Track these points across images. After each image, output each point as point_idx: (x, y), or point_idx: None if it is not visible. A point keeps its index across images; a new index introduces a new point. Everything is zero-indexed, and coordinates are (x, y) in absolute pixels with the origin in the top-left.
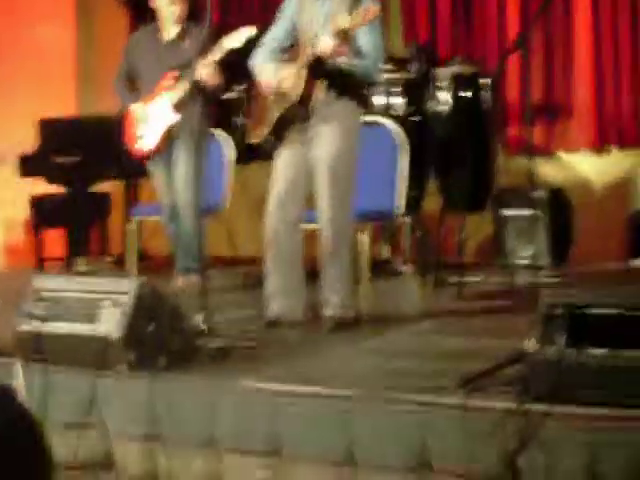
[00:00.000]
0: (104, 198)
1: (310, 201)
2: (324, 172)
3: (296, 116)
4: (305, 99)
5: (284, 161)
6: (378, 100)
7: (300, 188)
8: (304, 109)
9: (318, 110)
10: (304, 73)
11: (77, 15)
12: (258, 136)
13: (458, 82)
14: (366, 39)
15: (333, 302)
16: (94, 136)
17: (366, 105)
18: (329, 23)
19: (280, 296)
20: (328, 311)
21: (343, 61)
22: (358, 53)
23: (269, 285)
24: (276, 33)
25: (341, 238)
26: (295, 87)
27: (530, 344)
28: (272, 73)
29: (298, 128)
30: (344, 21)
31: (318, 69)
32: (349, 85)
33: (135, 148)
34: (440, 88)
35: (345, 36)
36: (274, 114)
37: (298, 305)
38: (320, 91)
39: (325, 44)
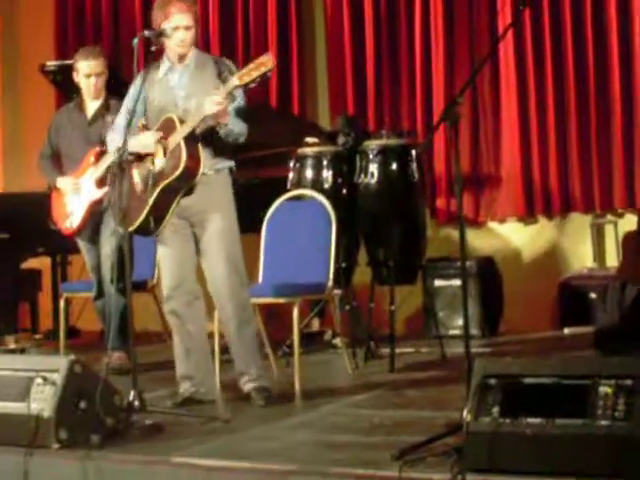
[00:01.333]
0: (34, 275)
1: None
2: (216, 251)
3: (178, 190)
4: (190, 169)
5: (170, 248)
6: (307, 173)
7: (189, 271)
8: (188, 181)
9: (194, 187)
10: (182, 144)
11: (2, 90)
12: (133, 222)
13: (386, 154)
14: (243, 101)
15: (251, 374)
16: (21, 213)
17: (232, 173)
18: (193, 93)
19: (190, 377)
20: (249, 385)
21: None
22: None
23: (178, 368)
24: (124, 118)
25: (244, 313)
26: (173, 160)
27: (465, 415)
28: (149, 139)
29: (176, 209)
30: (235, 80)
31: (199, 134)
32: (225, 147)
33: (64, 226)
34: (368, 160)
35: (232, 96)
36: (149, 196)
37: (208, 383)
38: (201, 159)
39: (213, 103)
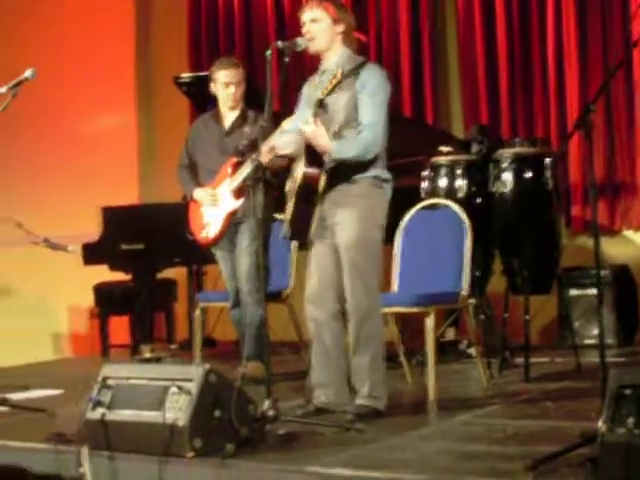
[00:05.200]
0: (170, 285)
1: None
2: (344, 261)
3: (307, 205)
4: (309, 180)
5: (313, 257)
6: (441, 182)
7: (331, 282)
8: (312, 196)
9: (331, 197)
10: (304, 155)
11: (138, 101)
12: (284, 230)
13: (520, 163)
14: (364, 113)
15: (360, 393)
16: (157, 223)
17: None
18: (332, 99)
19: (323, 386)
20: (357, 401)
21: (328, 146)
22: (358, 130)
23: (313, 375)
24: (294, 121)
25: (366, 326)
26: (298, 175)
27: (600, 425)
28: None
29: (319, 217)
30: (319, 94)
31: (311, 156)
32: (346, 171)
33: (201, 237)
34: (502, 169)
35: (323, 107)
36: (290, 205)
37: (341, 394)
38: (320, 179)
39: (304, 129)
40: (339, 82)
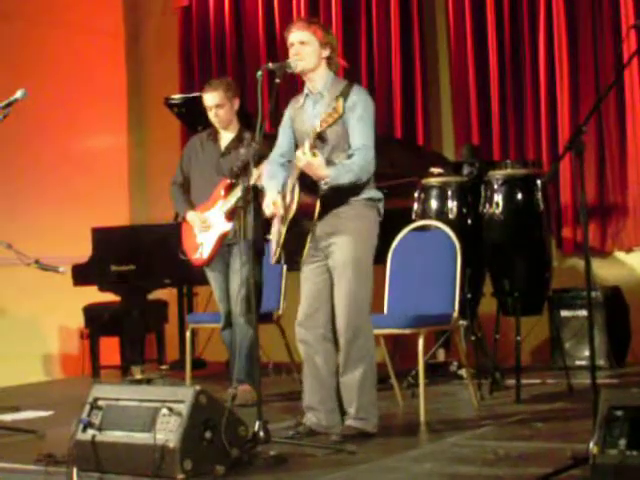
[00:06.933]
0: (160, 306)
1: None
2: (339, 280)
3: (301, 229)
4: (303, 210)
5: (305, 279)
6: (432, 204)
7: (322, 304)
8: (306, 221)
9: (325, 220)
10: (297, 185)
11: (129, 122)
12: (275, 255)
13: (511, 184)
14: (355, 136)
15: (349, 414)
16: (148, 245)
17: (374, 202)
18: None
19: (314, 410)
20: (346, 422)
21: (326, 174)
22: (348, 154)
23: (304, 398)
24: (281, 147)
25: (357, 345)
26: (292, 202)
27: (591, 447)
28: (271, 196)
29: (312, 240)
30: (317, 127)
31: (305, 183)
32: (341, 195)
33: (195, 257)
34: (493, 190)
35: (321, 139)
36: (281, 231)
37: (332, 417)
38: (318, 203)
39: (300, 160)
40: (340, 116)
